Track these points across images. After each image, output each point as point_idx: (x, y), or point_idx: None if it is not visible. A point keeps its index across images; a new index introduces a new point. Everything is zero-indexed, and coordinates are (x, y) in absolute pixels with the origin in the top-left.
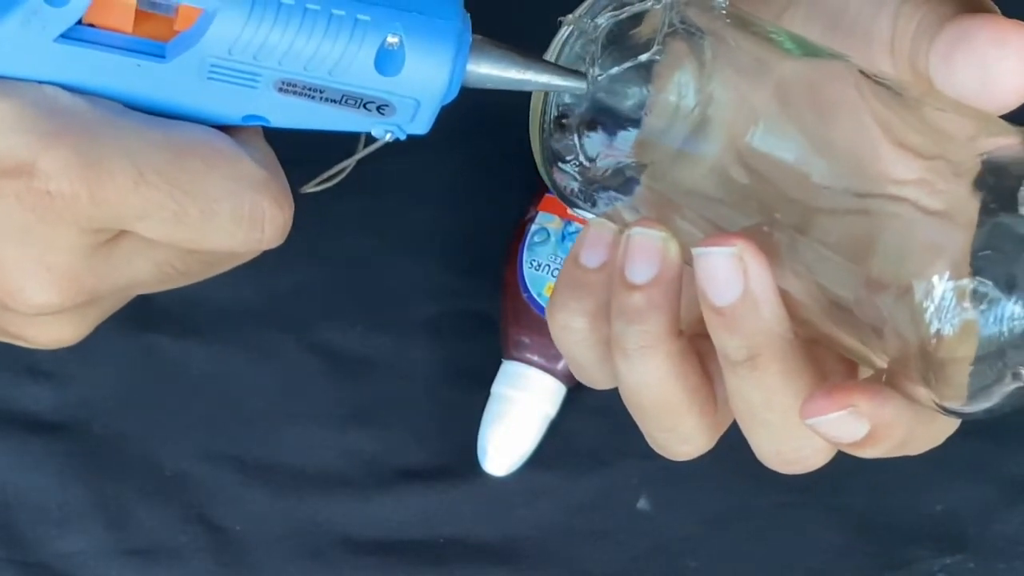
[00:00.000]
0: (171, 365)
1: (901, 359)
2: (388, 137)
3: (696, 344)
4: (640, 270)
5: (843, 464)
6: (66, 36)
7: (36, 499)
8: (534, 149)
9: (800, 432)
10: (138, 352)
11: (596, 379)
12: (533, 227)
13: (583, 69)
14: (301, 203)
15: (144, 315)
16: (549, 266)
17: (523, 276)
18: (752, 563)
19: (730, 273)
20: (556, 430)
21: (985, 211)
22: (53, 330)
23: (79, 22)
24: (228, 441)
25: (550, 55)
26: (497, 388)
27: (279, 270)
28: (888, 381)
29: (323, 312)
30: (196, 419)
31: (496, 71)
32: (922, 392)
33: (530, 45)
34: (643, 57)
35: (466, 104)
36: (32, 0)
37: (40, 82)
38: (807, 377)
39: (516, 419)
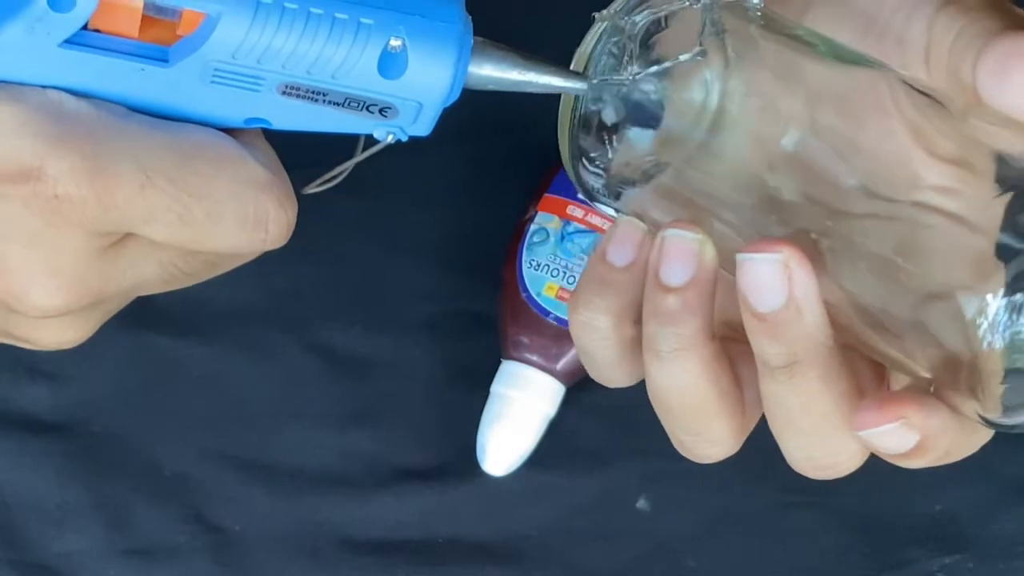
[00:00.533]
0: (170, 365)
1: (947, 370)
2: (390, 139)
3: (725, 347)
4: (675, 272)
5: None
6: (70, 41)
7: (35, 499)
8: (561, 145)
9: (835, 438)
10: (137, 352)
11: (612, 378)
12: (532, 227)
13: (621, 67)
14: (301, 203)
15: (143, 315)
16: (548, 266)
17: (522, 276)
18: (751, 563)
19: (775, 279)
20: (555, 430)
21: None
22: (57, 332)
23: (83, 27)
24: (227, 441)
25: (583, 50)
26: (496, 388)
27: (278, 270)
28: (936, 392)
29: (322, 312)
30: (195, 419)
31: (497, 72)
32: (968, 404)
33: (530, 46)
34: (684, 56)
35: (466, 105)
36: (37, 6)
37: (45, 87)
38: (845, 384)
39: (515, 419)
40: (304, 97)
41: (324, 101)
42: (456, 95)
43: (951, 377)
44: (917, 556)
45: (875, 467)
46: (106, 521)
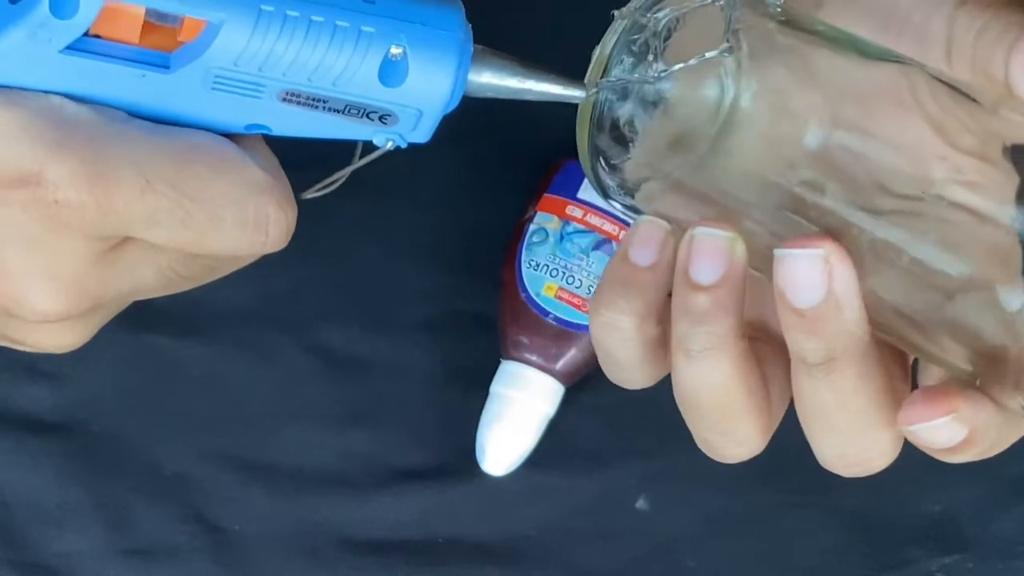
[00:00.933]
0: (169, 365)
1: (991, 364)
2: (389, 145)
3: (752, 346)
4: (706, 270)
5: None
6: (72, 47)
7: (35, 499)
8: (580, 143)
9: (870, 435)
10: (136, 352)
11: (633, 379)
12: (531, 227)
13: (643, 64)
14: (300, 205)
15: (142, 315)
16: (547, 266)
17: (521, 276)
18: (751, 563)
19: (815, 275)
20: (555, 430)
21: None
22: (56, 337)
23: (85, 33)
24: (226, 441)
25: (603, 48)
26: (496, 388)
27: (277, 271)
28: (981, 385)
29: (321, 313)
30: (195, 419)
31: (497, 80)
32: (1015, 398)
33: (530, 52)
34: (711, 53)
35: (464, 104)
36: (40, 12)
37: (46, 92)
38: (880, 380)
39: (515, 419)
40: (304, 104)
41: (324, 108)
42: (456, 102)
43: (996, 371)
44: (917, 556)
45: None
46: (106, 521)
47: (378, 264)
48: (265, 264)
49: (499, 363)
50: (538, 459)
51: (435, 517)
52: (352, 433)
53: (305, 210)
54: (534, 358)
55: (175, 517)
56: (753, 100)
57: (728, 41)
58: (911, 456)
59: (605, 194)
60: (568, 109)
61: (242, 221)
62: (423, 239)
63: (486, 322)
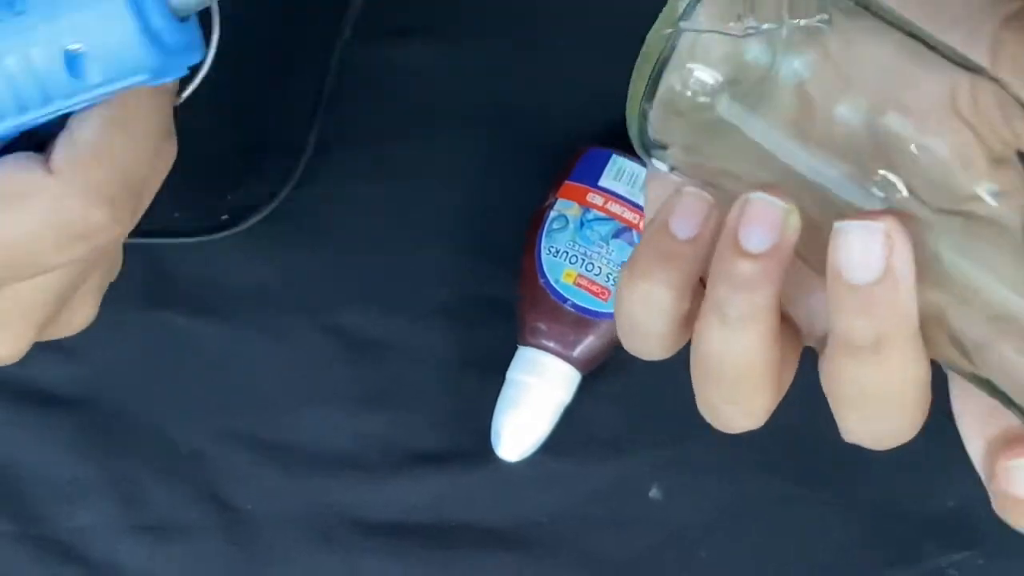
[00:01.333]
0: (186, 343)
1: None
2: (175, 81)
3: None
4: (758, 238)
5: (855, 458)
6: None
7: (48, 474)
8: (633, 89)
9: (900, 412)
10: (153, 329)
11: (653, 350)
12: (552, 214)
13: (735, 16)
14: (321, 188)
15: (160, 293)
16: (567, 253)
17: (541, 262)
18: (762, 555)
19: (875, 250)
20: (570, 417)
21: None
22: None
23: None
24: (242, 421)
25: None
26: (512, 374)
27: (295, 252)
28: None
29: (338, 295)
30: (210, 398)
31: None
32: None
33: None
34: (805, 21)
35: (485, 89)
36: None
37: None
38: (924, 364)
39: (530, 405)
40: (49, 115)
41: (69, 109)
42: (181, 38)
43: None
44: (929, 551)
45: (888, 462)
46: (119, 497)
47: (397, 248)
48: (284, 245)
49: (516, 349)
50: (553, 446)
51: (449, 501)
52: (367, 416)
53: (325, 192)
54: (552, 345)
55: (188, 495)
56: (795, 72)
57: (827, 11)
58: (926, 451)
59: (646, 149)
60: (589, 97)
61: (53, 245)
62: (442, 224)
63: (504, 308)
